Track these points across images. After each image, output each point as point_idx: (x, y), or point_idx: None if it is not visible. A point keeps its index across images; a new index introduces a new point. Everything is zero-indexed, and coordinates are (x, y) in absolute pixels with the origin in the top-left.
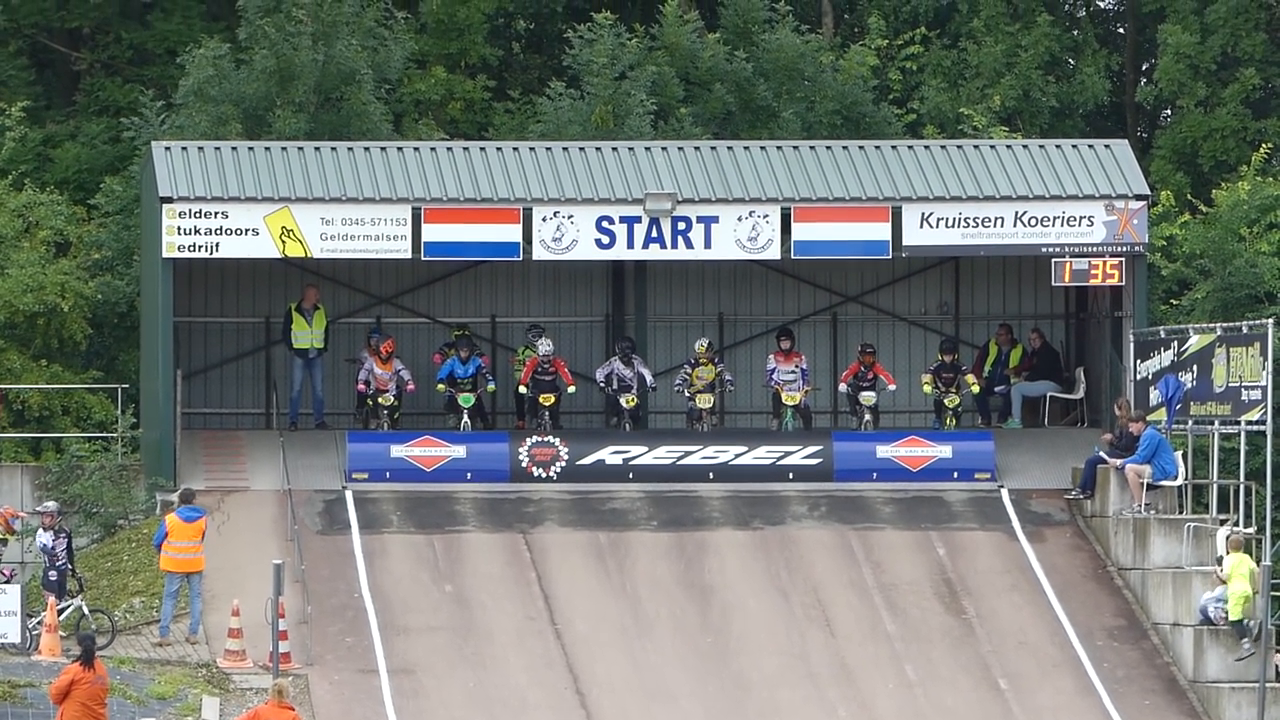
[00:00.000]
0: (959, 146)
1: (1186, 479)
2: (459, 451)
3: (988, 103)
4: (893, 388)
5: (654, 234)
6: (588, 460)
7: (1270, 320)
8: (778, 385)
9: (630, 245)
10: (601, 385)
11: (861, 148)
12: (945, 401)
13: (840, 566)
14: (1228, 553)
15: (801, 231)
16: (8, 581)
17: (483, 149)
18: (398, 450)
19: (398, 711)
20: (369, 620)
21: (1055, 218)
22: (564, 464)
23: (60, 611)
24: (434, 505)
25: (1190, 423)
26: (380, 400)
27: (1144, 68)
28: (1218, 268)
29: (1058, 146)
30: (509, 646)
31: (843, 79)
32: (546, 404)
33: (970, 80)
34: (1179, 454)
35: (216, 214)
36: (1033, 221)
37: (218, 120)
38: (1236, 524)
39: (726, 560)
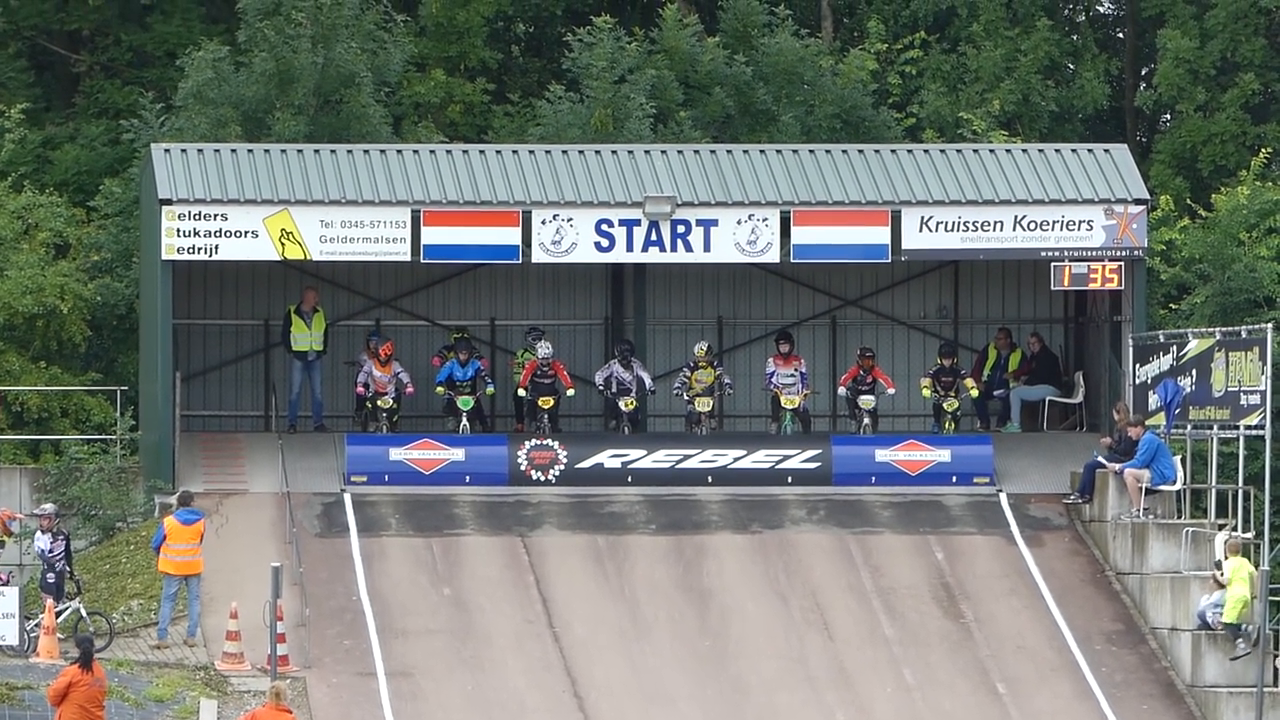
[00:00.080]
0: (958, 151)
1: (1185, 484)
2: (458, 454)
3: (987, 107)
4: (892, 391)
5: (653, 237)
6: (586, 463)
7: (1269, 325)
8: (777, 389)
9: (629, 248)
10: (600, 388)
11: (861, 151)
12: (944, 405)
13: (839, 570)
14: (1226, 557)
15: (801, 235)
16: (6, 584)
17: (482, 152)
18: (396, 453)
19: (396, 714)
20: (367, 623)
21: (1054, 222)
22: (563, 467)
23: (58, 614)
24: (432, 508)
25: (1189, 427)
26: (379, 403)
27: (1143, 72)
28: (1217, 272)
29: (1057, 151)
30: (507, 649)
31: (842, 83)
32: (545, 407)
33: (970, 84)
34: (1178, 459)
35: (216, 216)
36: (1032, 226)
37: (217, 123)
38: (1235, 529)
39: (725, 564)
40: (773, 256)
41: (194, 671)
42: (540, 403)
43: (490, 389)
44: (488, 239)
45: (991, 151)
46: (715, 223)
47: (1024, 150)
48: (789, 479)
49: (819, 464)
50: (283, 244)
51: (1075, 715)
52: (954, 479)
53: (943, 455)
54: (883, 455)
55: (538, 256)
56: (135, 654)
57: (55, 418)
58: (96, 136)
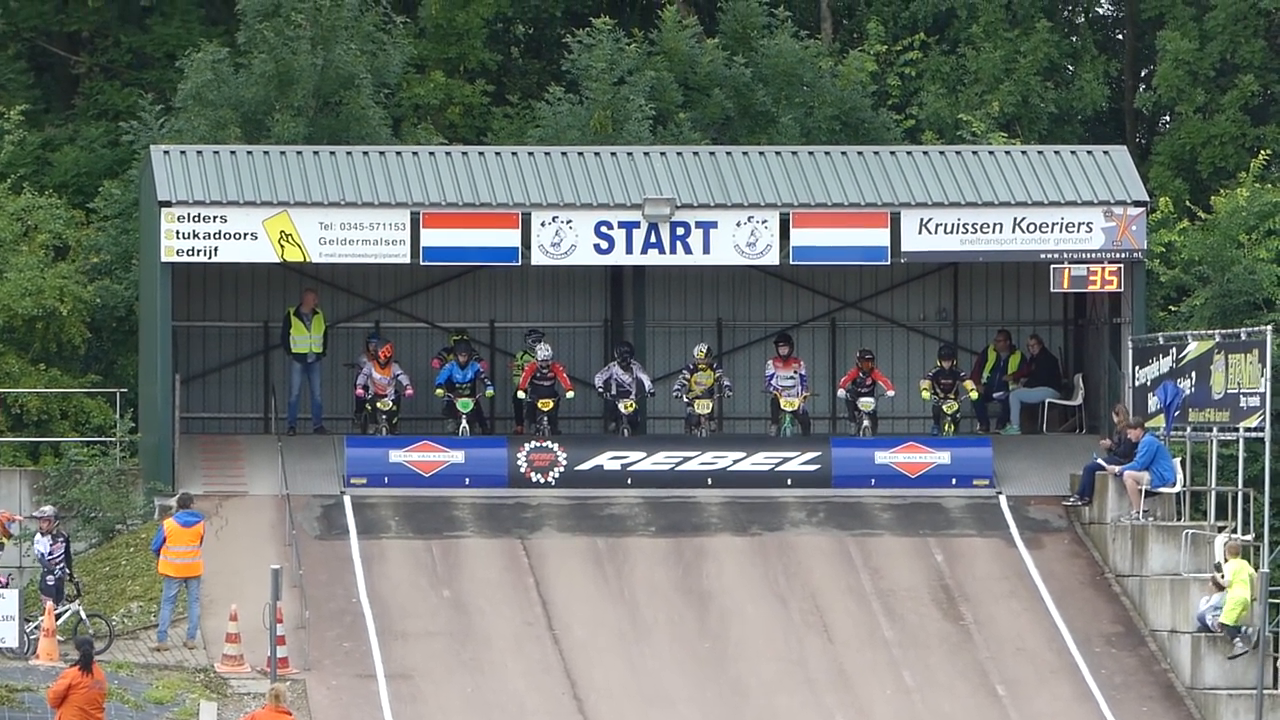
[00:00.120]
0: (958, 152)
1: (1185, 486)
2: (457, 457)
3: (986, 109)
4: (891, 393)
5: (653, 239)
6: (586, 465)
7: (1269, 327)
8: (776, 391)
9: (629, 250)
10: (600, 390)
11: (860, 153)
12: (944, 407)
13: (838, 572)
14: (1226, 559)
15: (800, 237)
16: (5, 586)
17: (481, 154)
18: (396, 455)
19: (395, 716)
20: (367, 625)
21: (1054, 224)
22: (562, 469)
23: (58, 616)
24: (432, 510)
25: (1189, 429)
26: (379, 405)
27: (1143, 74)
28: (1216, 274)
29: (1056, 153)
30: (507, 652)
31: (841, 84)
32: (545, 409)
33: (969, 86)
34: (1177, 461)
35: (215, 218)
36: (1031, 227)
37: (216, 124)
38: (1234, 531)
39: (725, 566)
40: (772, 258)
41: (194, 674)
42: (540, 405)
43: (490, 391)
44: (487, 241)
45: (991, 153)
46: (714, 225)
47: (1023, 152)
48: (788, 481)
49: (818, 466)
50: (282, 246)
51: (1075, 717)
52: (953, 481)
53: (942, 457)
54: (882, 457)
55: (537, 258)
56: (135, 656)
57: (55, 420)
58: (96, 138)
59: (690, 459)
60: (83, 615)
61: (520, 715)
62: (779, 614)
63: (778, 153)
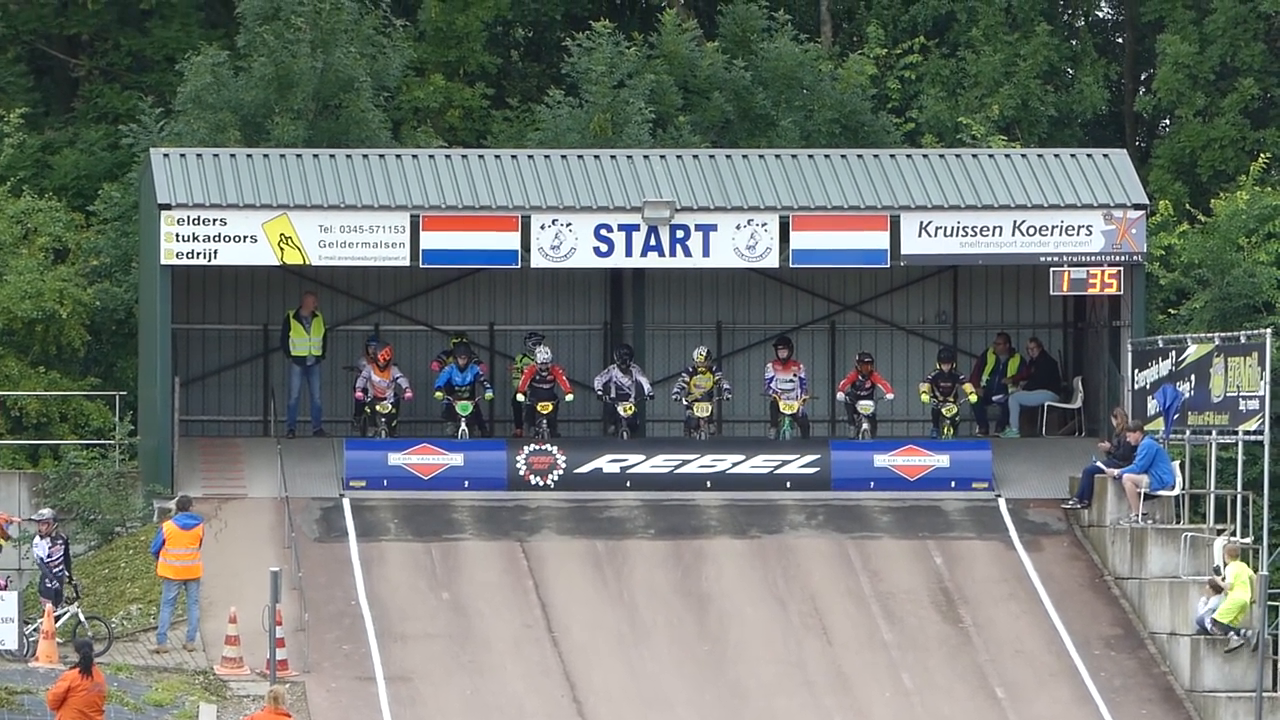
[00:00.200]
0: (957, 156)
1: (1184, 489)
2: (456, 459)
3: (986, 112)
4: (890, 396)
5: (652, 242)
6: (585, 468)
7: (1268, 330)
8: (775, 394)
9: (629, 253)
10: (599, 393)
11: (860, 156)
12: (943, 410)
13: (837, 575)
14: (1225, 562)
15: (800, 240)
16: (4, 588)
17: (481, 157)
18: (395, 458)
19: (395, 719)
20: (366, 628)
21: (1053, 227)
22: (561, 472)
23: (57, 618)
24: (431, 513)
25: (1188, 432)
26: (378, 408)
27: (1143, 77)
28: (1216, 277)
29: (1056, 156)
30: (506, 654)
31: (841, 88)
32: (544, 412)
33: (969, 89)
34: (1176, 464)
35: (215, 221)
36: (1031, 231)
37: (216, 127)
38: (1234, 534)
39: (724, 568)
40: (772, 261)
41: (193, 676)
42: (539, 408)
43: (489, 394)
44: (487, 244)
45: (991, 156)
46: (714, 228)
47: (1023, 155)
48: (788, 484)
49: (818, 469)
50: (282, 249)
51: None
52: (953, 484)
53: (941, 460)
54: (881, 460)
55: (537, 261)
56: (134, 658)
57: (54, 423)
58: (96, 141)
59: (689, 462)
60: (82, 618)
61: (519, 717)
62: (778, 616)
63: (777, 156)
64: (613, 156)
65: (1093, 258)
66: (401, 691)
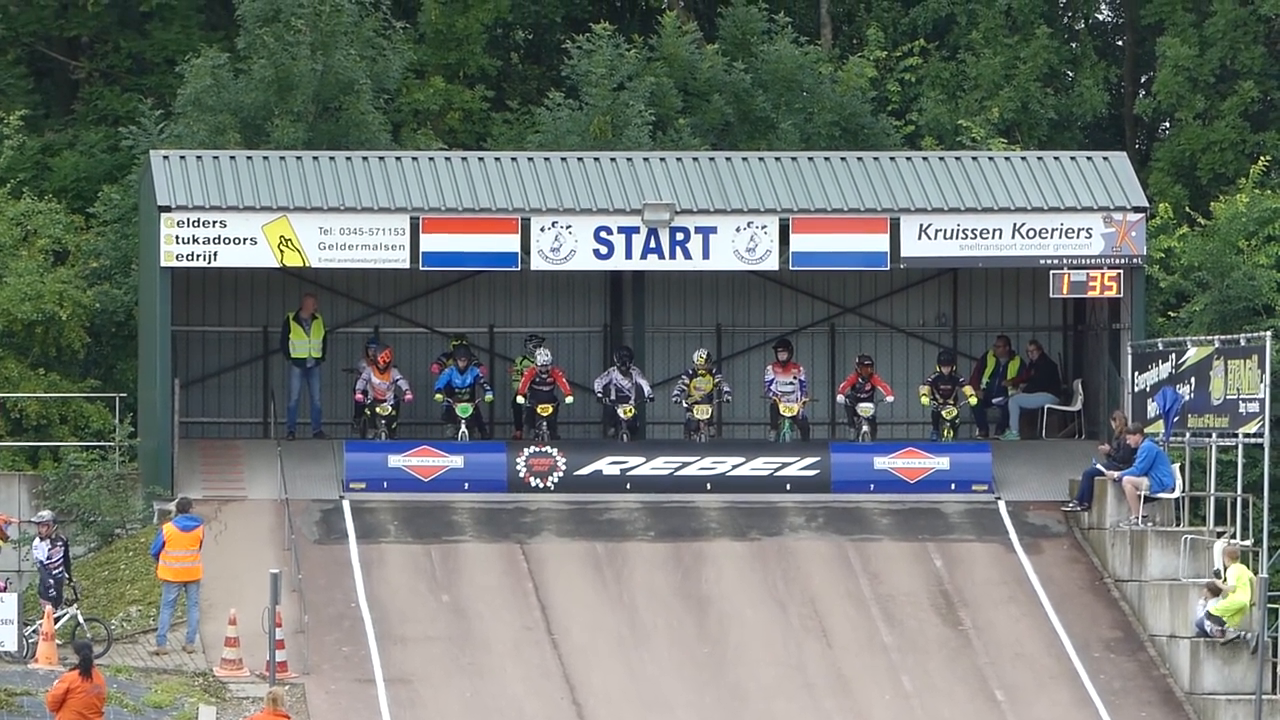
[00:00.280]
0: (957, 158)
1: (1184, 491)
2: (456, 461)
3: (986, 114)
4: (890, 399)
5: (652, 244)
6: (585, 471)
7: (1268, 333)
8: (775, 396)
9: (629, 255)
10: (599, 396)
11: (860, 159)
12: (943, 413)
13: (837, 577)
14: (1225, 565)
15: (800, 242)
16: (4, 590)
17: (481, 159)
18: (395, 460)
19: None
20: (366, 630)
21: (1053, 230)
22: (561, 474)
23: (57, 620)
24: (431, 515)
25: (1188, 435)
26: (378, 410)
27: (1142, 80)
28: (1216, 280)
29: (1056, 159)
30: (506, 656)
31: (841, 90)
32: (544, 414)
33: (969, 92)
34: (1176, 466)
35: (215, 223)
36: (1031, 233)
37: (216, 129)
38: (1233, 537)
39: (724, 571)
40: (772, 264)
41: (193, 678)
42: (539, 410)
43: (489, 396)
44: (487, 246)
45: (990, 159)
46: (714, 230)
47: (1023, 158)
48: (788, 486)
49: (818, 471)
50: (281, 251)
51: None
52: (953, 486)
53: (941, 463)
54: (881, 463)
55: (537, 264)
56: (134, 660)
57: (54, 424)
58: (95, 143)
59: (689, 464)
60: (81, 619)
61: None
62: (778, 619)
63: (777, 158)
64: (613, 159)
65: (1092, 260)
66: (401, 693)
